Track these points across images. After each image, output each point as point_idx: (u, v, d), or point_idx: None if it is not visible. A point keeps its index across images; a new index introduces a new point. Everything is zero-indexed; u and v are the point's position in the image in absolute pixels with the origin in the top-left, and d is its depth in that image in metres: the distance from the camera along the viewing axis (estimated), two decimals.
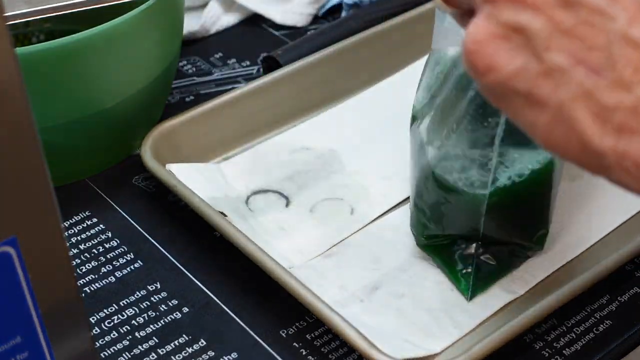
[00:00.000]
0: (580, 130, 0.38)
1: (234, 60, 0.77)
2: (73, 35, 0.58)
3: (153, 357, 0.54)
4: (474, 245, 0.58)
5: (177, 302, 0.58)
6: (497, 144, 0.53)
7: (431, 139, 0.55)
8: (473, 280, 0.57)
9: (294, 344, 0.55)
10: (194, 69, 0.77)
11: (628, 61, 0.37)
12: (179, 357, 0.54)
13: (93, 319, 0.56)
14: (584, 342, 0.55)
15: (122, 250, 0.61)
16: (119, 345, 0.55)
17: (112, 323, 0.56)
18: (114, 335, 0.56)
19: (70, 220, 0.63)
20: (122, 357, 0.54)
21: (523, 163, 0.55)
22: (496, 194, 0.55)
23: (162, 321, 0.57)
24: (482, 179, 0.55)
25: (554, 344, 0.55)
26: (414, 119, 0.57)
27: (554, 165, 0.55)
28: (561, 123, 0.39)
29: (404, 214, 0.61)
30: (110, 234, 0.62)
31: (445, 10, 0.47)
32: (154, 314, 0.57)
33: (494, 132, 0.53)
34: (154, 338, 0.56)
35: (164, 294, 0.58)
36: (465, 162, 0.55)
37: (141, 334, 0.56)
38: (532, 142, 0.43)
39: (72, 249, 0.61)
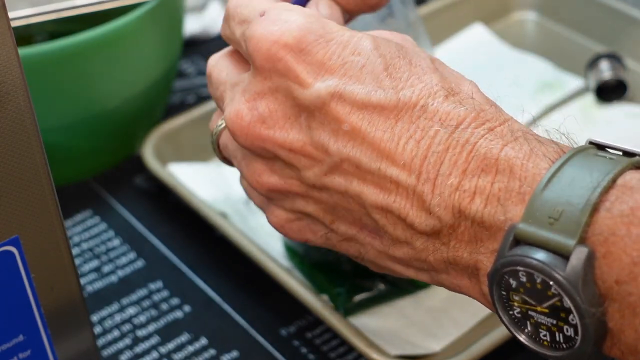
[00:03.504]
0: (401, 273, 0.44)
1: None
2: (75, 36, 0.58)
3: (154, 355, 0.55)
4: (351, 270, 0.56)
5: (178, 300, 0.58)
6: None
7: None
8: (345, 299, 0.54)
9: (294, 342, 0.55)
10: (196, 69, 0.77)
11: (391, 224, 0.41)
12: (180, 355, 0.55)
13: (95, 317, 0.57)
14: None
15: (124, 249, 0.61)
16: (121, 344, 0.55)
17: (114, 321, 0.57)
18: (115, 333, 0.56)
19: (73, 220, 0.64)
20: (123, 356, 0.55)
21: None
22: None
23: (163, 320, 0.57)
24: None
25: None
26: None
27: None
28: (385, 269, 0.45)
29: None
30: (112, 233, 0.63)
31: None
32: (155, 312, 0.57)
33: None
34: (155, 336, 0.56)
35: (165, 293, 0.59)
36: None
37: (143, 332, 0.56)
38: None
39: (74, 248, 0.61)
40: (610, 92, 0.70)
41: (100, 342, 0.55)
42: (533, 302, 0.36)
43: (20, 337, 0.41)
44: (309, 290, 0.54)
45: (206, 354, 0.55)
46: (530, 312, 0.37)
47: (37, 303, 0.40)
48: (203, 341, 0.55)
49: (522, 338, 0.38)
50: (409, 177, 0.39)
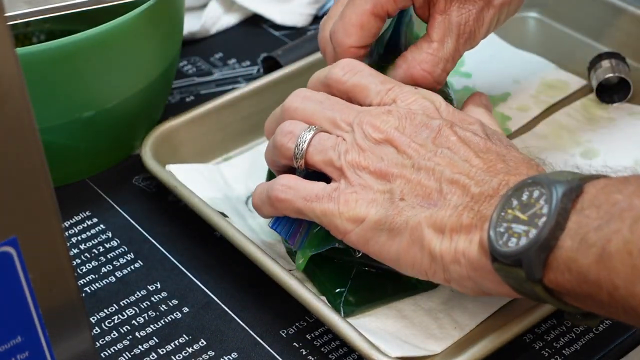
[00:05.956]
0: (427, 243, 0.49)
1: (234, 60, 0.77)
2: (73, 35, 0.58)
3: (153, 357, 0.54)
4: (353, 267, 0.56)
5: (177, 302, 0.58)
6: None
7: None
8: (345, 300, 0.55)
9: (294, 343, 0.55)
10: (194, 69, 0.77)
11: (453, 193, 0.50)
12: (179, 357, 0.54)
13: (93, 318, 0.57)
14: (583, 342, 0.55)
15: (122, 250, 0.61)
16: (119, 345, 0.55)
17: (112, 323, 0.56)
18: (114, 335, 0.56)
19: (71, 221, 0.63)
20: (122, 357, 0.54)
21: None
22: None
23: (162, 321, 0.57)
24: None
25: (554, 344, 0.55)
26: None
27: None
28: (415, 243, 0.50)
29: None
30: (110, 234, 0.62)
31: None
32: (154, 313, 0.57)
33: None
34: (154, 338, 0.56)
35: (164, 294, 0.58)
36: None
37: (141, 333, 0.56)
38: None
39: (73, 249, 0.61)
40: (612, 91, 0.70)
41: (99, 343, 0.55)
42: (520, 213, 0.46)
43: (18, 339, 0.40)
44: (309, 291, 0.54)
45: (205, 356, 0.54)
46: (512, 225, 0.46)
47: (35, 304, 0.40)
48: (202, 342, 0.55)
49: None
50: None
